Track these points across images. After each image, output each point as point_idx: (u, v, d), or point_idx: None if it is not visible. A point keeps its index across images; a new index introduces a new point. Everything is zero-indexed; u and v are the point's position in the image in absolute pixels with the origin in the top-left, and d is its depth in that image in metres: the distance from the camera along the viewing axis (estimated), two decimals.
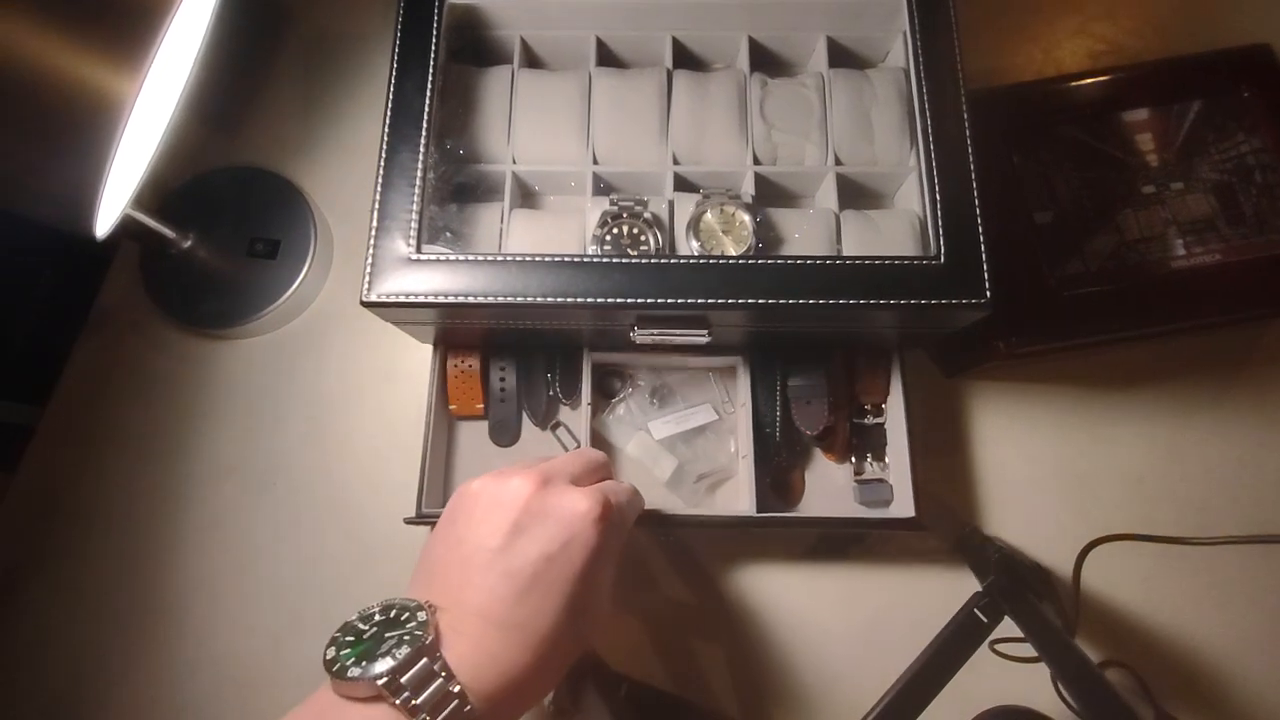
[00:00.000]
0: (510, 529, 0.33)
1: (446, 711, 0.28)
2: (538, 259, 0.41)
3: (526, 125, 0.48)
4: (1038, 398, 0.56)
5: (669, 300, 0.41)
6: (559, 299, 0.41)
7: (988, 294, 0.41)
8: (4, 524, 0.53)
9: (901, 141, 0.47)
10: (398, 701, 0.27)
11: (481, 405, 0.51)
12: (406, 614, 0.30)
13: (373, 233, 0.42)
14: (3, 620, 0.51)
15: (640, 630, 0.51)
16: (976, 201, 0.42)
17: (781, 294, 0.41)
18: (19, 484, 0.53)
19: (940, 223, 0.42)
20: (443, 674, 0.28)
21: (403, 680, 0.28)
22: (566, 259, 0.41)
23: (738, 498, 0.51)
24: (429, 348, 0.51)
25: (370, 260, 0.41)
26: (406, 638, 0.29)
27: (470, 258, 0.42)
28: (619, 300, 0.41)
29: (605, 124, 0.48)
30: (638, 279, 0.41)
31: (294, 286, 0.55)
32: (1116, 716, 0.38)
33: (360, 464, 0.54)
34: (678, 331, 0.44)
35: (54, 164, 0.31)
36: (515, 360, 0.52)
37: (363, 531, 0.53)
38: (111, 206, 0.38)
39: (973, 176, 0.43)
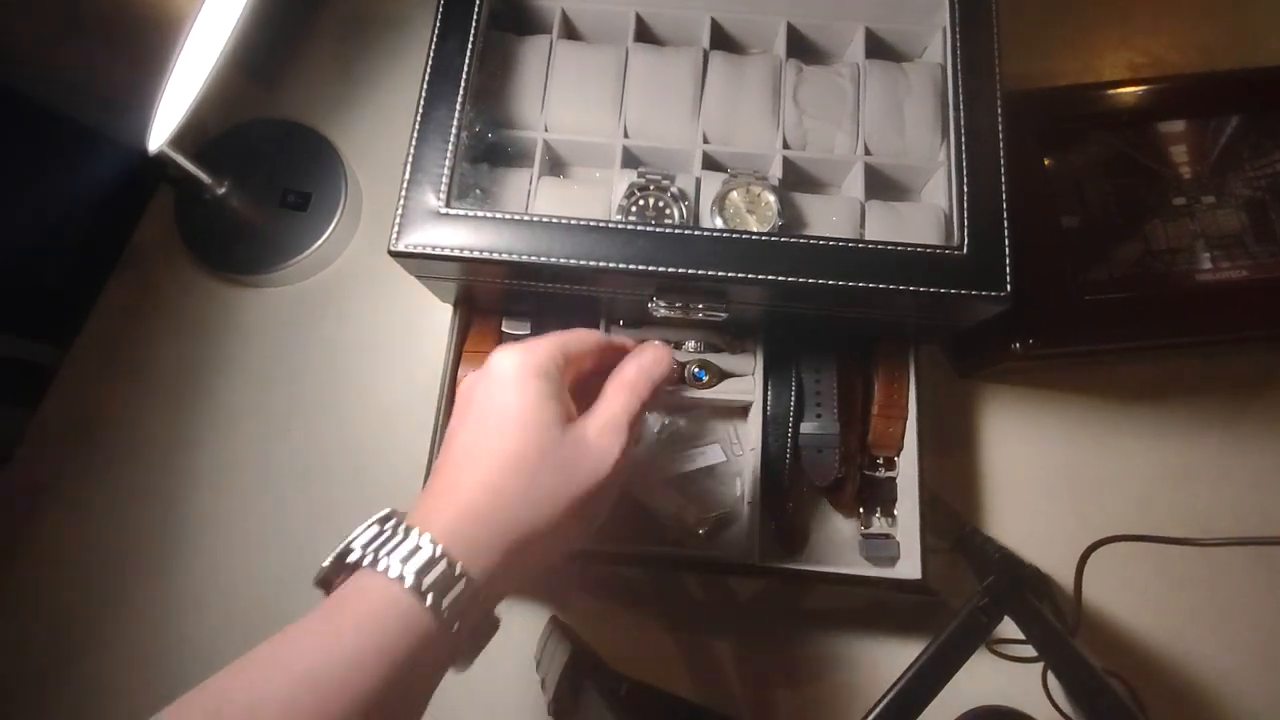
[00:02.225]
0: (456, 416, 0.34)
1: (406, 555, 0.28)
2: (564, 221, 0.42)
3: (561, 95, 0.49)
4: (1050, 404, 0.55)
5: (691, 271, 0.41)
6: (582, 261, 0.41)
7: (1008, 287, 0.41)
8: (27, 448, 0.54)
9: (933, 136, 0.48)
10: (364, 562, 0.28)
11: None
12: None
13: (405, 185, 0.42)
14: (21, 541, 0.52)
15: (642, 629, 0.51)
16: (1004, 195, 0.42)
17: (802, 272, 0.41)
18: (45, 411, 0.55)
19: (966, 214, 0.42)
20: (392, 521, 0.30)
21: (354, 544, 0.29)
22: (592, 223, 0.42)
23: (740, 543, 0.50)
24: (449, 309, 0.52)
25: (401, 211, 0.42)
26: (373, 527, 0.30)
27: (498, 215, 0.42)
28: (641, 267, 0.41)
29: (638, 99, 0.49)
30: (661, 248, 0.41)
31: (322, 239, 0.56)
32: (1116, 717, 0.38)
33: (375, 418, 0.55)
34: (696, 304, 0.44)
35: (116, 69, 0.32)
36: None
37: (373, 484, 0.54)
38: (165, 122, 0.39)
39: (1002, 171, 0.43)
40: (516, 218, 0.42)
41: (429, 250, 0.42)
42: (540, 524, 0.31)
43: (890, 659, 0.50)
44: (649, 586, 0.52)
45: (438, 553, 0.28)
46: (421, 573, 0.27)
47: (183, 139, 0.49)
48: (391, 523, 0.30)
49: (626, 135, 0.49)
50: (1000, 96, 0.44)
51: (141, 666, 0.50)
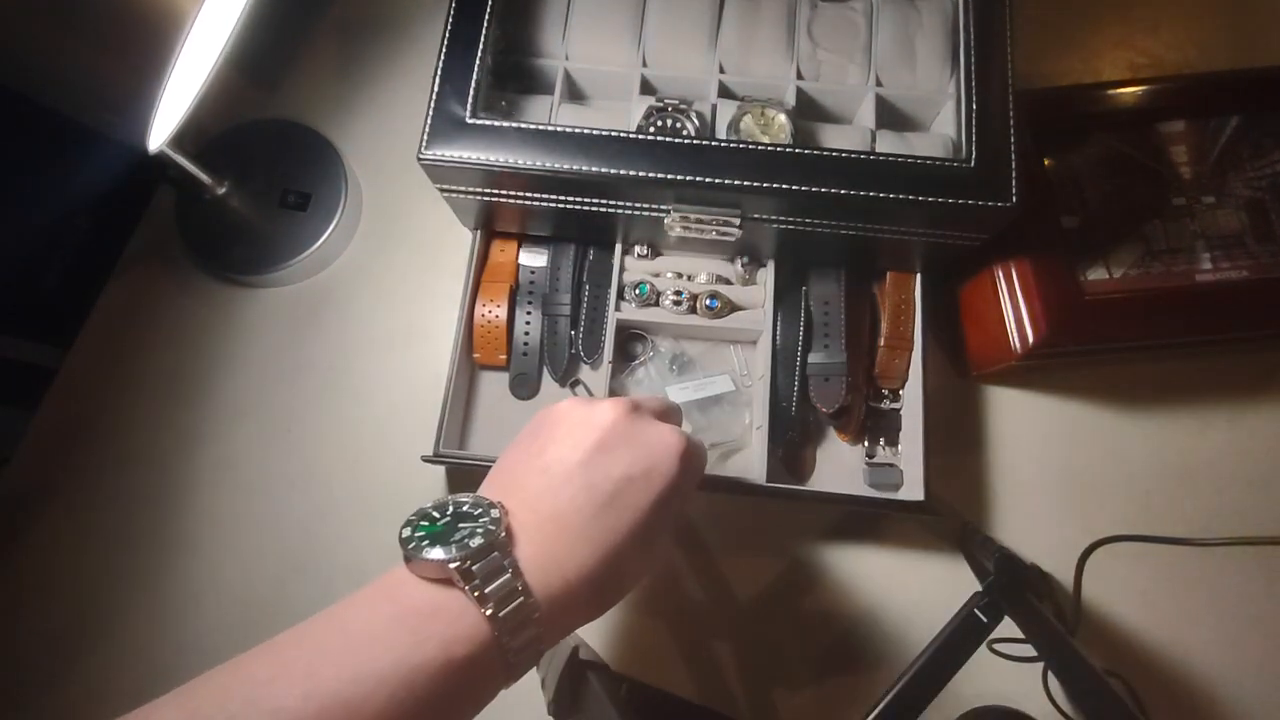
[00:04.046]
0: (595, 446, 0.33)
1: (512, 605, 0.28)
2: (587, 131, 0.43)
3: (582, 24, 0.50)
4: (1050, 405, 0.55)
5: (708, 180, 0.43)
6: (604, 169, 0.43)
7: (1014, 198, 0.42)
8: (27, 449, 0.54)
9: (943, 69, 0.49)
10: (467, 587, 0.28)
11: (504, 356, 0.53)
12: (480, 509, 0.31)
13: (433, 96, 0.44)
14: (18, 543, 0.52)
15: (642, 630, 0.51)
16: (1010, 110, 0.44)
17: (815, 182, 0.43)
18: (45, 411, 0.55)
19: (974, 128, 0.43)
20: (511, 570, 0.29)
21: (474, 569, 0.28)
22: (614, 134, 0.43)
23: (749, 468, 0.51)
24: (451, 311, 0.52)
25: (428, 121, 0.43)
26: (480, 530, 0.29)
27: (522, 125, 0.44)
28: (660, 175, 0.43)
29: (657, 30, 0.50)
30: (679, 157, 0.43)
31: (322, 239, 0.56)
32: (1115, 717, 0.38)
33: (375, 418, 0.55)
34: (712, 212, 0.45)
35: (116, 69, 0.32)
36: (540, 307, 0.53)
37: (373, 484, 0.53)
38: (165, 122, 0.39)
39: (1009, 86, 0.44)
40: (540, 128, 0.43)
41: (455, 161, 0.43)
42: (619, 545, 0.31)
43: (891, 658, 0.50)
44: (649, 584, 0.52)
45: (535, 615, 0.28)
46: (513, 629, 0.28)
47: (183, 139, 0.49)
48: (501, 537, 0.29)
49: (645, 64, 0.50)
50: (1010, 16, 0.45)
51: (141, 666, 0.50)
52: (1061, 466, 0.54)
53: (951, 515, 0.53)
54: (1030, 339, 0.48)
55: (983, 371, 0.54)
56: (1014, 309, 0.49)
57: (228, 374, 0.56)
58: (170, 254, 0.58)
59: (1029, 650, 0.42)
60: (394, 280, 0.58)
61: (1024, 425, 0.55)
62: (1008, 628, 0.42)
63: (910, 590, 0.52)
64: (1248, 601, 0.51)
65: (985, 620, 0.42)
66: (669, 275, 0.53)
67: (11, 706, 0.49)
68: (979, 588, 0.44)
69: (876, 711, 0.39)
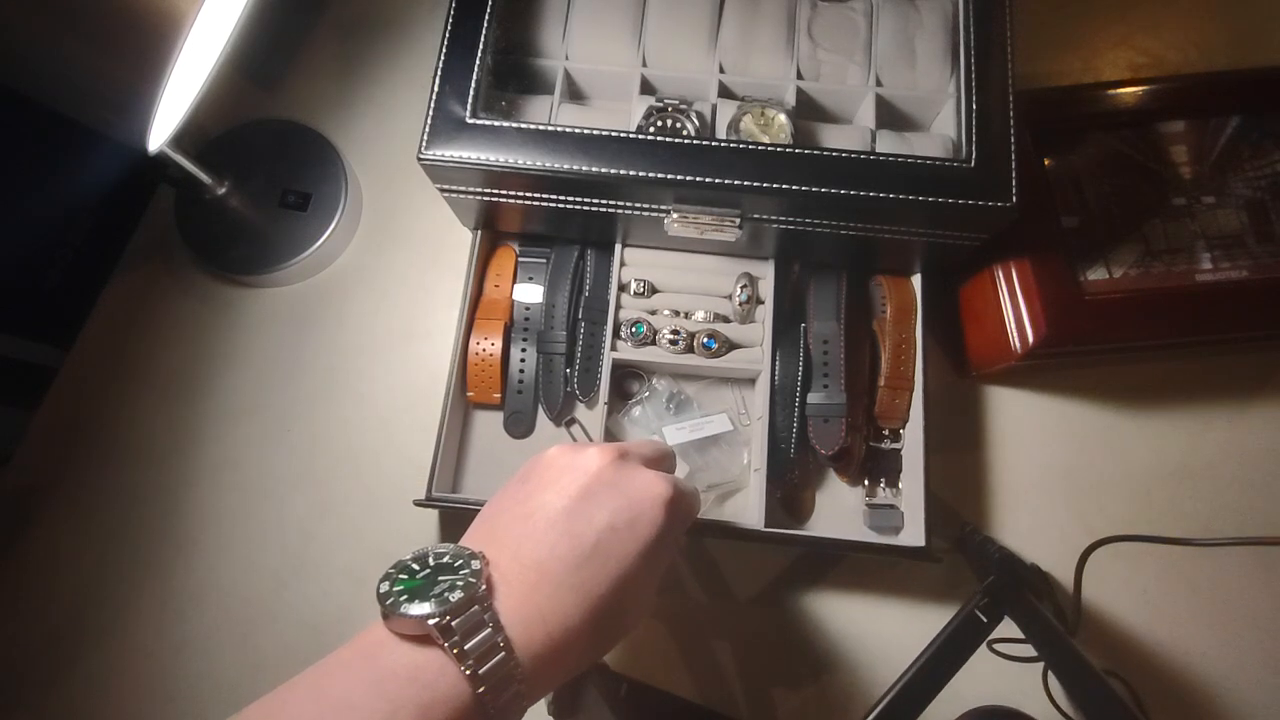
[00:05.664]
0: (580, 493, 0.32)
1: (493, 662, 0.27)
2: (587, 131, 0.43)
3: (582, 24, 0.50)
4: (1050, 404, 0.55)
5: (709, 180, 0.43)
6: (605, 169, 0.43)
7: (1014, 198, 0.42)
8: (27, 448, 0.54)
9: (943, 69, 0.49)
10: (446, 644, 0.27)
11: (499, 394, 0.52)
12: (460, 560, 0.30)
13: (433, 95, 0.44)
14: (18, 541, 0.52)
15: (642, 631, 0.51)
16: (1011, 112, 0.44)
17: (815, 182, 0.43)
18: (45, 411, 0.55)
19: (974, 128, 0.43)
20: (491, 624, 0.28)
21: (453, 624, 0.27)
22: (614, 134, 0.44)
23: (746, 510, 0.51)
24: (451, 311, 0.52)
25: (428, 121, 0.43)
26: (460, 583, 0.28)
27: (523, 125, 0.44)
28: (660, 175, 0.43)
29: (657, 30, 0.50)
30: (680, 158, 0.43)
31: (322, 239, 0.56)
32: (1116, 717, 0.38)
33: (375, 418, 0.55)
34: (712, 212, 0.45)
35: (116, 69, 0.32)
36: (536, 344, 0.53)
37: (372, 483, 0.53)
38: (165, 122, 0.39)
39: (1009, 86, 0.44)
40: (540, 128, 0.44)
41: (455, 161, 0.43)
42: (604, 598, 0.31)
43: (890, 659, 0.50)
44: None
45: (516, 671, 0.28)
46: (495, 686, 0.27)
47: (183, 139, 0.49)
48: (481, 590, 0.29)
49: (645, 64, 0.50)
50: (1010, 13, 0.45)
51: (141, 666, 0.50)
52: (1061, 466, 0.54)
53: (951, 516, 0.53)
54: (1030, 339, 0.48)
55: (983, 371, 0.54)
56: (1014, 309, 0.49)
57: (228, 374, 0.56)
58: (170, 254, 0.58)
59: (1029, 650, 0.42)
60: (394, 280, 0.58)
61: (1024, 425, 0.55)
62: (1008, 628, 0.42)
63: (910, 591, 0.52)
64: (1248, 601, 0.51)
65: (985, 620, 0.42)
66: (665, 313, 0.52)
67: (11, 706, 0.49)
68: (979, 588, 0.44)
69: (876, 711, 0.39)
